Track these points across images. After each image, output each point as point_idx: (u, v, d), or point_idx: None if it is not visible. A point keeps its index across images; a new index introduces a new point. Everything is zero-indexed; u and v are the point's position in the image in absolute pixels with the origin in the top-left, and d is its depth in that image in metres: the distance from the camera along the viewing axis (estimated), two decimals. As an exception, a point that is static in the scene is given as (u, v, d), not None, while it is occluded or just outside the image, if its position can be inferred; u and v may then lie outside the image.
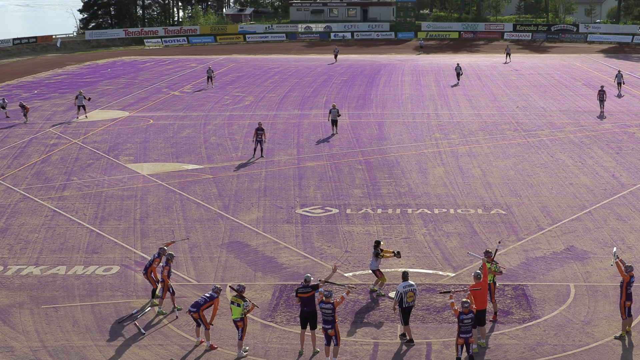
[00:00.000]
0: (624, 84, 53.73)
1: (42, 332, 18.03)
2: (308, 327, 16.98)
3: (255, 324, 18.20)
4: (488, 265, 17.98)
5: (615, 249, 18.48)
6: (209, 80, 59.05)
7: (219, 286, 17.61)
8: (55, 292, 20.30)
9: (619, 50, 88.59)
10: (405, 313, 17.21)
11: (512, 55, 77.11)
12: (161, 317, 18.71)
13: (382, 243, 19.96)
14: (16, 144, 38.97)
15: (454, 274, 21.07)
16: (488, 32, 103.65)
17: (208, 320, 17.25)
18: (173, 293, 18.90)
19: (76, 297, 19.94)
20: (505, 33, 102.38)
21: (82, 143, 38.95)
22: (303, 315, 16.95)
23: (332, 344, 16.29)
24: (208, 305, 17.14)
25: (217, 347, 17.14)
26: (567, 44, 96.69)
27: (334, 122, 40.41)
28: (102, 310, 19.17)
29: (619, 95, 51.92)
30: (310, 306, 16.86)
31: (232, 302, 16.71)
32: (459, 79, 59.67)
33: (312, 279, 17.26)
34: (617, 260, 17.55)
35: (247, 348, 16.94)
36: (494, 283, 18.25)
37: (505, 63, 73.66)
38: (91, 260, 22.61)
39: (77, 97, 45.83)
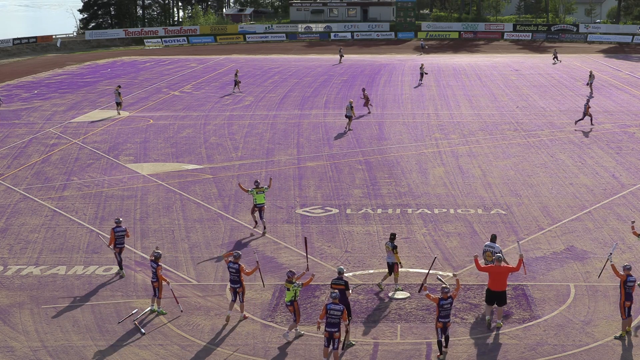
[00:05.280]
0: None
1: (42, 332, 18.03)
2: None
3: (255, 324, 18.23)
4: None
5: (613, 249, 18.62)
6: (236, 84, 56.60)
7: (239, 252, 18.71)
8: (55, 292, 20.31)
9: (619, 50, 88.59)
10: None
11: (516, 54, 76.47)
12: (161, 317, 18.72)
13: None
14: (16, 144, 38.99)
15: (454, 274, 21.05)
16: (488, 32, 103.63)
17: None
18: (155, 295, 18.92)
19: (76, 297, 19.94)
20: (505, 33, 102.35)
21: (82, 143, 38.96)
22: None
23: (331, 346, 16.22)
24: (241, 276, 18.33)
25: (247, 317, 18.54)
26: (567, 44, 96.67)
27: (348, 118, 41.26)
28: (102, 310, 19.17)
29: (590, 97, 52.08)
30: (342, 299, 17.07)
31: (286, 288, 17.57)
32: (421, 80, 59.76)
33: (344, 270, 17.80)
34: (612, 263, 17.81)
35: (302, 332, 17.64)
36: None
37: (554, 64, 72.76)
38: (91, 260, 22.62)
39: (119, 94, 47.33)
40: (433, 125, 42.71)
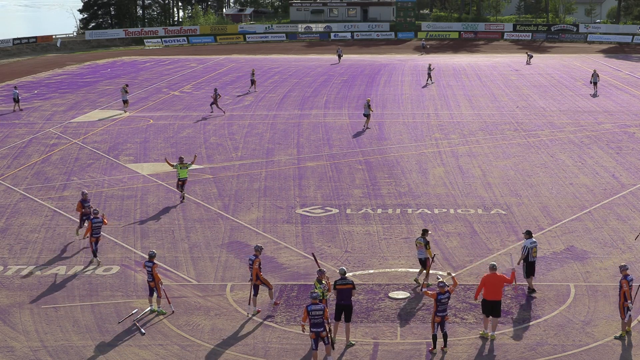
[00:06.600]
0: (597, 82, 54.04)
1: (42, 332, 18.03)
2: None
3: (255, 324, 18.22)
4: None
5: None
6: (253, 83, 56.85)
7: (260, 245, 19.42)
8: (55, 292, 20.30)
9: (619, 50, 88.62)
10: (530, 267, 19.55)
11: (516, 54, 76.40)
12: (161, 317, 18.71)
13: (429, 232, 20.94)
14: (16, 144, 38.98)
15: (453, 274, 21.03)
16: (488, 32, 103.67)
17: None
18: (151, 294, 18.92)
19: (76, 297, 19.94)
20: (505, 33, 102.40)
21: (82, 143, 38.96)
22: (339, 308, 17.20)
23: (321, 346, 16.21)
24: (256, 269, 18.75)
25: (279, 303, 19.27)
26: (567, 44, 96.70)
27: (366, 116, 41.44)
28: (102, 310, 19.17)
29: (595, 95, 52.07)
30: (347, 300, 17.08)
31: (315, 286, 17.62)
32: (431, 79, 59.72)
33: (346, 270, 17.58)
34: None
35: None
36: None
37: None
38: (91, 260, 22.58)
39: (126, 92, 47.93)
40: (433, 125, 42.71)
